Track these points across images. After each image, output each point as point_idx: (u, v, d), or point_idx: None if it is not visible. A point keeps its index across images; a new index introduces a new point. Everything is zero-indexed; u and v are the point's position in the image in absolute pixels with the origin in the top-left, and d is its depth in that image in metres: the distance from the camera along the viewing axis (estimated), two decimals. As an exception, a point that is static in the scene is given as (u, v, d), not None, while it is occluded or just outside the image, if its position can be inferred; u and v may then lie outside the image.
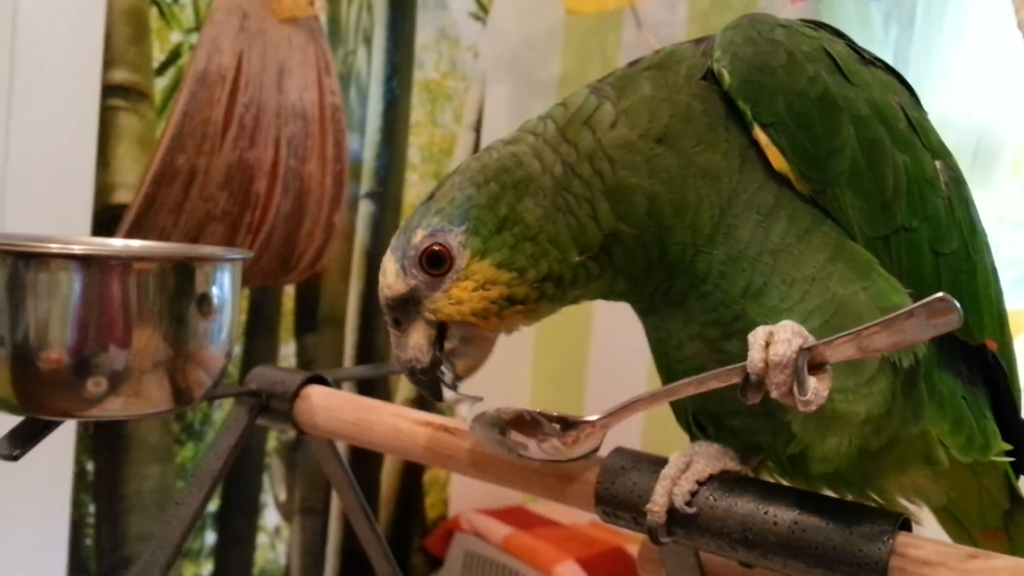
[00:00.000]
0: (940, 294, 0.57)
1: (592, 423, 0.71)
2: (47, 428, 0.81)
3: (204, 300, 0.83)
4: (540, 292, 0.74)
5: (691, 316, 0.76)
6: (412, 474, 2.89)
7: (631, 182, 0.73)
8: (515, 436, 0.70)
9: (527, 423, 0.70)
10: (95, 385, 0.78)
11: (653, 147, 0.73)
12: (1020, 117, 2.15)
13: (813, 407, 0.61)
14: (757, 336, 0.64)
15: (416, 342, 0.76)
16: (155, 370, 0.81)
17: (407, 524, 2.92)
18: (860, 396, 0.71)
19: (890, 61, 2.31)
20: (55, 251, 0.79)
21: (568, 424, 0.71)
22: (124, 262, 0.79)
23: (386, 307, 0.77)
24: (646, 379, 2.40)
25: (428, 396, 0.78)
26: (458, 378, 0.77)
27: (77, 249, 0.80)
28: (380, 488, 2.84)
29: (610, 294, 0.78)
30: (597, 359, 3.12)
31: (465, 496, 2.99)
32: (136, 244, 1.04)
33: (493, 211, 0.73)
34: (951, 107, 2.15)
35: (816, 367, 0.63)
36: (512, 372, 3.15)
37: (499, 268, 0.73)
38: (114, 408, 0.80)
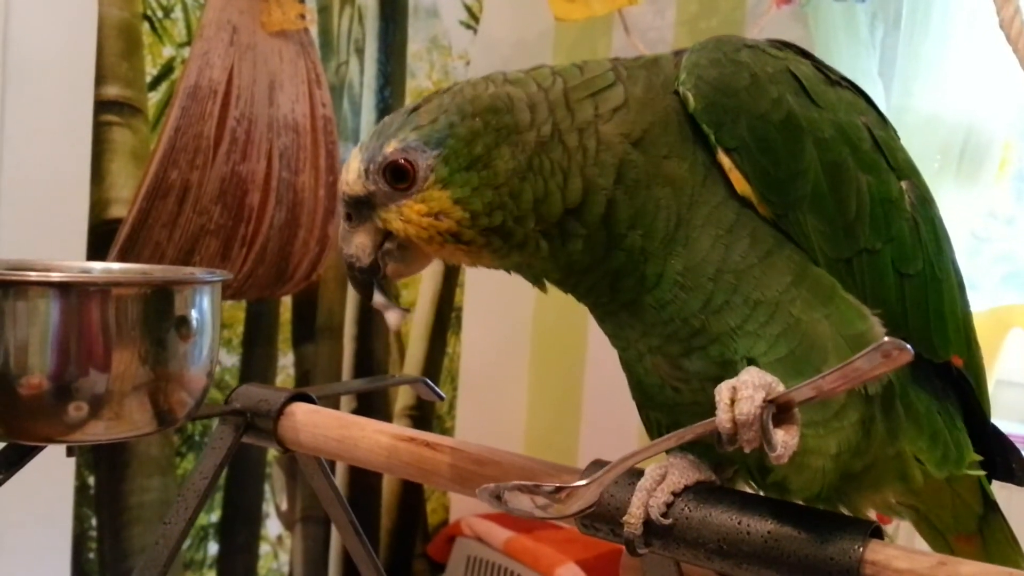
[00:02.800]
0: (887, 339, 0.58)
1: (582, 486, 0.72)
2: (29, 453, 0.82)
3: (183, 323, 0.83)
4: (486, 241, 0.74)
5: (649, 327, 0.76)
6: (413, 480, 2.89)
7: (597, 182, 0.73)
8: (515, 502, 0.71)
9: (525, 490, 0.71)
10: (76, 410, 0.79)
11: (629, 150, 0.73)
12: (1007, 114, 2.15)
13: (785, 459, 0.62)
14: (722, 393, 0.64)
15: (361, 242, 0.77)
16: (136, 393, 0.81)
17: (409, 530, 2.93)
18: (830, 430, 0.72)
19: (876, 62, 2.33)
20: (34, 279, 0.79)
21: (561, 487, 0.72)
22: (102, 288, 0.80)
23: (342, 201, 0.78)
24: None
25: (359, 293, 0.79)
26: (386, 279, 0.78)
27: (55, 277, 0.81)
28: (381, 495, 2.85)
29: (542, 275, 0.78)
30: (593, 374, 3.13)
31: (466, 501, 2.99)
32: (116, 268, 1.05)
33: (469, 147, 0.72)
34: (939, 106, 2.16)
35: (784, 410, 0.64)
36: (508, 393, 3.16)
37: (455, 204, 0.72)
38: (96, 432, 0.81)
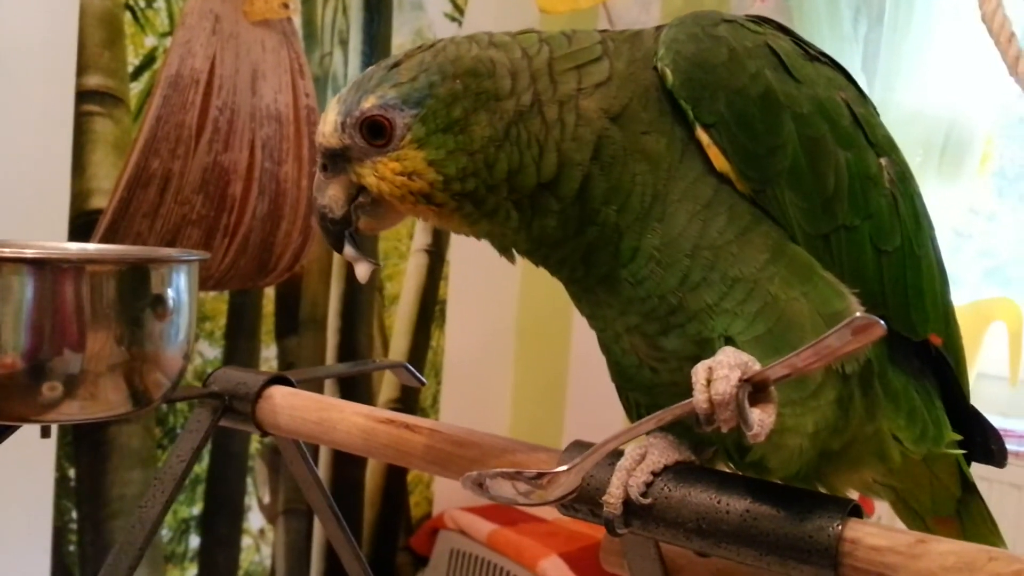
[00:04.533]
0: (857, 313, 0.58)
1: (564, 472, 0.72)
2: (2, 434, 0.81)
3: (159, 302, 0.83)
4: (458, 205, 0.74)
5: (626, 305, 0.76)
6: (396, 473, 2.89)
7: (573, 158, 0.72)
8: (498, 489, 0.71)
9: (507, 476, 0.71)
10: (50, 389, 0.78)
11: (608, 126, 0.72)
12: (989, 109, 2.16)
13: (761, 437, 0.62)
14: (698, 374, 0.64)
15: (334, 193, 0.77)
16: (111, 373, 0.80)
17: (392, 523, 2.92)
18: (807, 409, 0.72)
19: (860, 57, 2.33)
20: (7, 255, 0.78)
21: (542, 473, 0.72)
22: (77, 265, 0.79)
23: (319, 152, 0.77)
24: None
25: (329, 244, 0.79)
26: (358, 232, 0.78)
27: (29, 253, 0.80)
28: (364, 488, 2.84)
29: (512, 246, 0.78)
30: (577, 368, 3.12)
31: (449, 494, 2.99)
32: (91, 247, 1.04)
33: (448, 109, 0.72)
34: (921, 101, 2.17)
35: (760, 389, 0.64)
36: (493, 386, 3.16)
37: (429, 166, 0.72)
38: (70, 412, 0.80)
